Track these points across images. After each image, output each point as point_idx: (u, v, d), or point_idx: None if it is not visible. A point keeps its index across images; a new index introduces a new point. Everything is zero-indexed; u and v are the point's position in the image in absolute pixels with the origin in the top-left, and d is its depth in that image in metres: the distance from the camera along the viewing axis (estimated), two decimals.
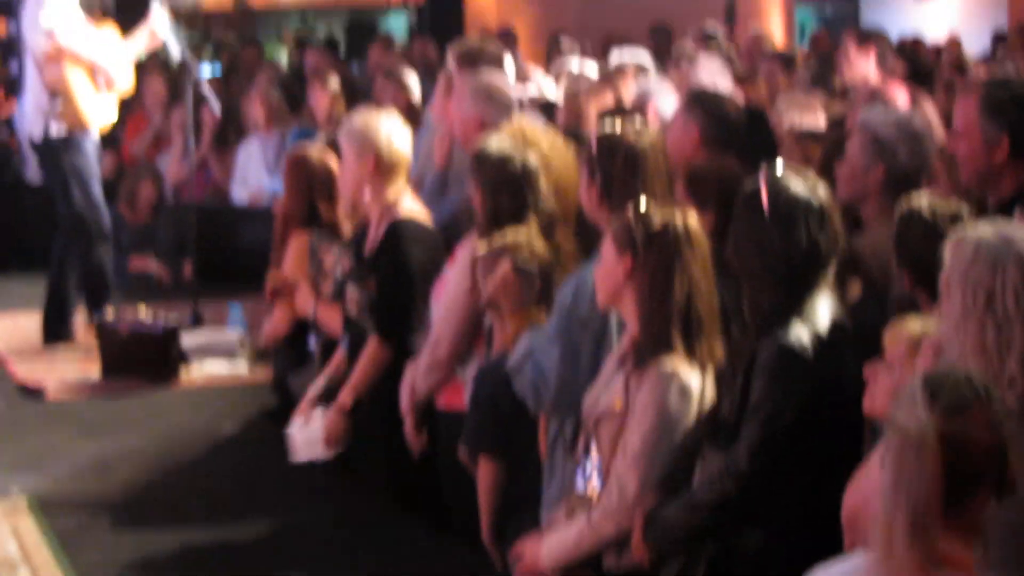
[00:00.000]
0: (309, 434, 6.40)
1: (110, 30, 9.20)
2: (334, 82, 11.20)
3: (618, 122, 5.27)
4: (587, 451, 4.55)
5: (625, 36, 14.68)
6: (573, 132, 6.65)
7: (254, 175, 11.54)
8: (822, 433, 4.09)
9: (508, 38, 14.55)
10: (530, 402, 4.99)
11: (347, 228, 7.09)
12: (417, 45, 13.55)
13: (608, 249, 4.48)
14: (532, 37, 16.39)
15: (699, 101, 5.99)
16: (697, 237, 4.43)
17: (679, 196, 5.05)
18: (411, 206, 6.43)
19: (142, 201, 11.49)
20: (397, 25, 18.71)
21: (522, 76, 10.29)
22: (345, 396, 6.35)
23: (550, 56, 13.42)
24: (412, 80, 10.55)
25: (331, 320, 6.77)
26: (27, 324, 9.46)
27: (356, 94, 12.08)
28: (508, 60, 8.48)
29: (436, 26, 17.63)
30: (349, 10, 19.36)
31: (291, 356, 7.20)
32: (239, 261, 11.25)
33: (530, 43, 15.85)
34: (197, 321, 9.42)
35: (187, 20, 18.86)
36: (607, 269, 4.50)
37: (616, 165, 4.98)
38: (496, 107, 6.65)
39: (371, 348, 6.32)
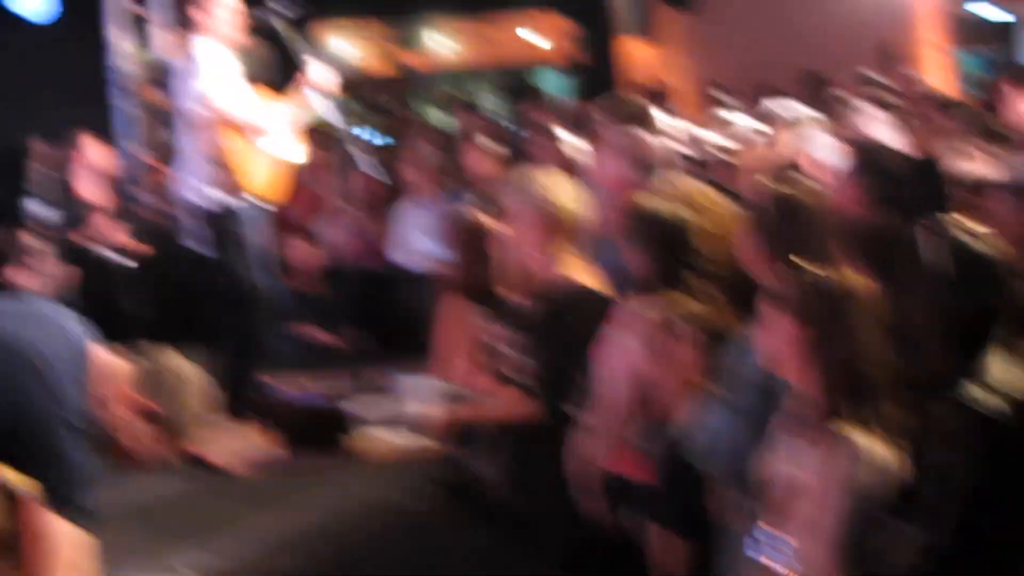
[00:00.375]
0: (424, 388, 6.35)
1: (273, 97, 9.24)
2: (488, 143, 11.19)
3: (777, 177, 5.15)
4: (761, 519, 4.42)
5: (779, 85, 14.59)
6: (730, 188, 6.52)
7: (412, 239, 11.54)
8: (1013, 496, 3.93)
9: (659, 92, 14.50)
10: (707, 471, 4.87)
11: (510, 293, 6.92)
12: (573, 104, 13.50)
13: (768, 310, 4.36)
14: (689, 91, 16.29)
15: (865, 158, 5.85)
16: (863, 296, 4.29)
17: (843, 255, 4.92)
18: (580, 269, 6.31)
19: (304, 268, 11.53)
20: (554, 84, 18.68)
21: (675, 130, 10.20)
22: (471, 409, 6.30)
23: (706, 110, 13.33)
24: (564, 133, 10.49)
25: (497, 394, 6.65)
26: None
27: (513, 154, 12.07)
28: (658, 113, 8.39)
29: (593, 82, 17.60)
30: (505, 71, 19.36)
31: (466, 436, 7.07)
32: (403, 323, 11.27)
33: (687, 96, 15.76)
34: (365, 390, 9.40)
35: (349, 86, 19.07)
36: (768, 330, 4.37)
37: (776, 222, 4.86)
38: (642, 165, 6.53)
39: (518, 398, 6.24)
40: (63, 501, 4.49)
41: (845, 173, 5.82)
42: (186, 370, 4.80)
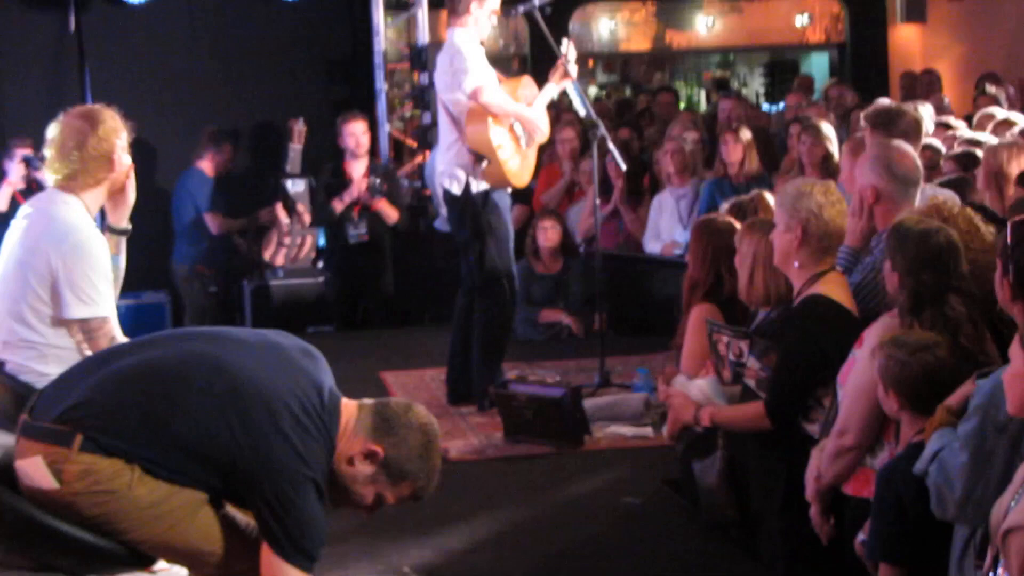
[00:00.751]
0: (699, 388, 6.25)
1: (527, 82, 9.15)
2: (747, 133, 10.98)
3: None
4: (995, 565, 4.16)
5: None
6: (989, 209, 6.19)
7: (666, 228, 11.40)
8: None
9: (932, 81, 14.07)
10: (934, 507, 4.62)
11: (754, 303, 6.67)
12: (833, 91, 13.17)
13: (1017, 353, 4.09)
14: (958, 78, 15.80)
15: None
16: None
17: None
18: (834, 283, 6.06)
19: (554, 252, 11.47)
20: (819, 65, 18.30)
21: (944, 126, 9.86)
22: (714, 413, 6.17)
23: (976, 101, 12.88)
24: (829, 131, 10.23)
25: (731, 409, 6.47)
26: (435, 382, 9.49)
27: (770, 145, 11.84)
28: (927, 117, 8.06)
29: (858, 66, 17.22)
30: (770, 49, 19.04)
31: (694, 445, 6.88)
32: (651, 313, 11.16)
33: (956, 84, 15.29)
34: (604, 383, 9.29)
35: (605, 62, 19.00)
36: (1017, 374, 4.10)
37: None
38: (899, 181, 6.23)
39: (755, 410, 6.05)
40: (295, 549, 4.46)
41: None
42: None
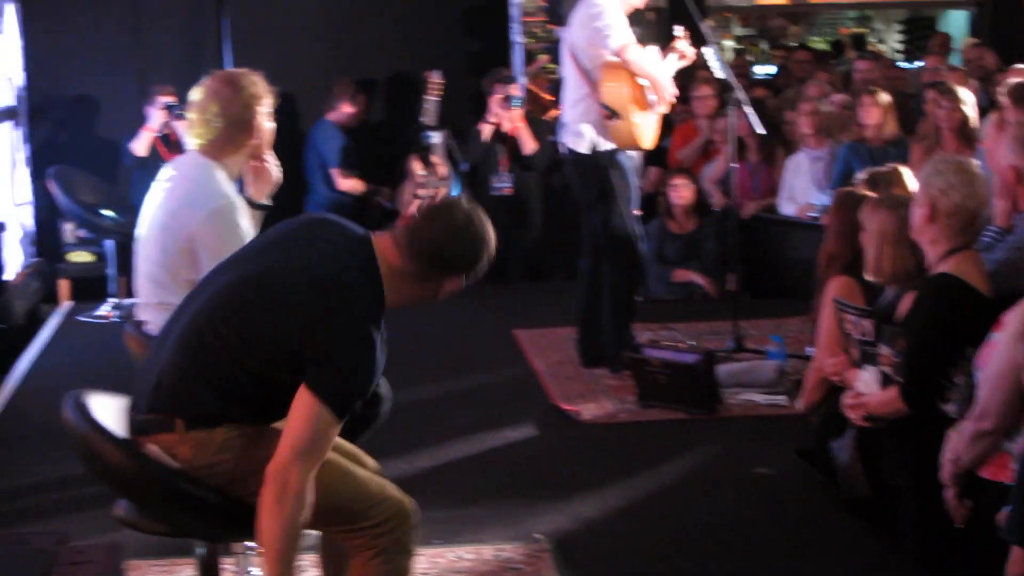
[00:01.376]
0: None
1: (654, 52, 9.09)
2: (885, 97, 10.86)
3: None
4: None
5: None
6: None
7: (801, 191, 11.33)
8: None
9: None
10: None
11: (886, 280, 6.61)
12: (973, 52, 12.97)
13: None
14: None
15: None
16: None
17: None
18: (967, 261, 5.99)
19: (687, 211, 11.43)
20: (957, 23, 18.02)
21: None
22: (854, 404, 6.15)
23: None
24: (967, 96, 10.08)
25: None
26: (569, 341, 9.51)
27: (909, 108, 11.70)
28: None
29: (998, 24, 16.93)
30: (908, 5, 18.77)
31: (831, 421, 6.85)
32: (785, 275, 11.13)
33: None
34: (738, 347, 9.27)
35: (742, 15, 18.85)
36: None
37: None
38: None
39: (891, 395, 6.02)
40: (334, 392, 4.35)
41: None
42: None
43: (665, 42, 9.29)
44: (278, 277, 4.45)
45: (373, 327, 4.33)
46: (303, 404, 4.30)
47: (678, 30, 9.07)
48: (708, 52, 9.20)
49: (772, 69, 16.62)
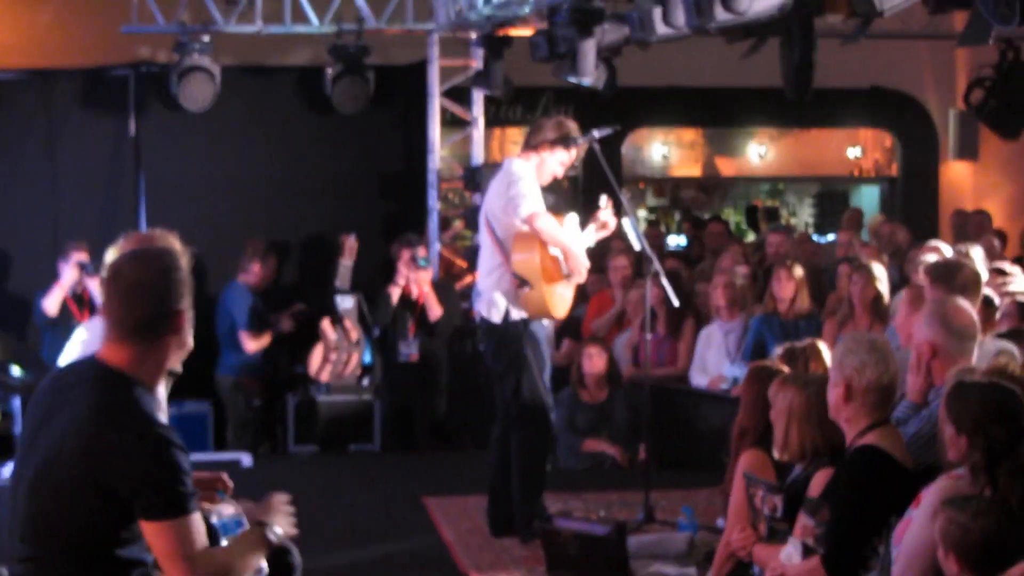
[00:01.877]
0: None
1: (572, 220, 9.13)
2: (799, 270, 10.96)
3: None
4: None
5: None
6: None
7: (713, 362, 11.36)
8: None
9: (983, 222, 14.06)
10: None
11: (792, 456, 6.57)
12: (885, 228, 13.16)
13: None
14: (1009, 216, 15.77)
15: None
16: None
17: None
18: (886, 435, 5.99)
19: (598, 380, 11.42)
20: (869, 197, 18.30)
21: (998, 272, 9.81)
22: (786, 572, 6.08)
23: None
24: (880, 272, 10.21)
25: (767, 562, 6.39)
26: (479, 510, 9.42)
27: (821, 282, 11.82)
28: (978, 260, 8.03)
29: (909, 200, 17.20)
30: (821, 180, 19.06)
31: None
32: (696, 446, 11.11)
33: (1007, 223, 15.25)
34: (649, 518, 9.22)
35: (656, 186, 19.04)
36: None
37: None
38: (955, 336, 6.21)
39: (813, 565, 5.96)
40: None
41: None
42: None
43: (579, 211, 9.34)
44: (47, 473, 4.44)
45: (145, 421, 4.39)
46: (156, 534, 4.34)
47: (603, 200, 9.10)
48: (626, 222, 9.23)
49: (684, 240, 16.78)
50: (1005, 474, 5.12)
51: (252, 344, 12.39)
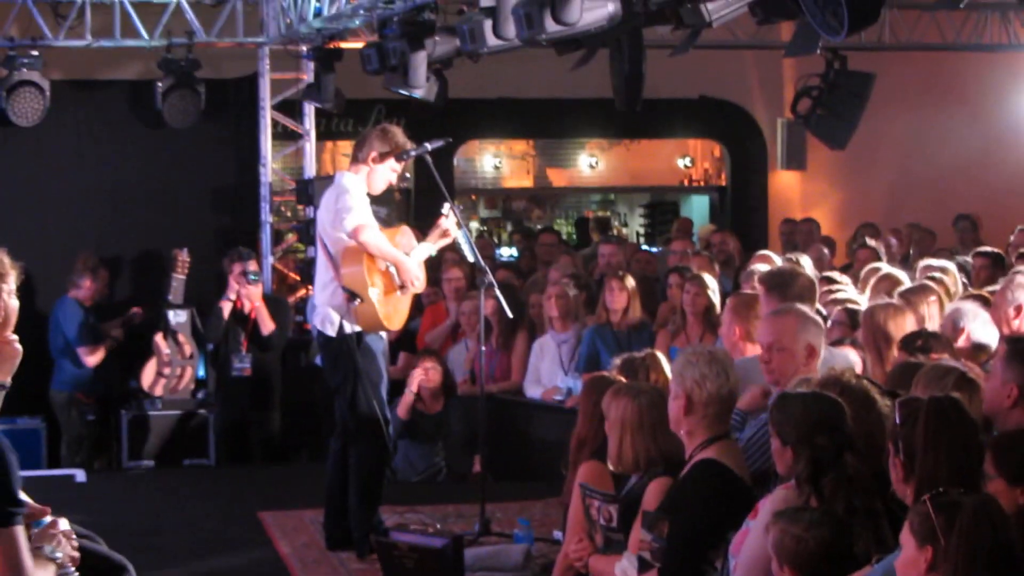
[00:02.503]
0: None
1: (405, 231, 9.14)
2: (630, 281, 11.06)
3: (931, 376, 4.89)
4: None
5: (931, 226, 14.35)
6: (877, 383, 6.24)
7: (547, 373, 11.41)
8: None
9: (811, 230, 14.32)
10: None
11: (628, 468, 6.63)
12: (716, 237, 13.35)
13: (907, 539, 4.13)
14: (836, 225, 16.07)
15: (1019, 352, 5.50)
16: (1005, 523, 4.05)
17: (988, 468, 4.65)
18: (725, 448, 6.09)
19: (432, 393, 11.43)
20: (699, 207, 18.52)
21: (827, 280, 9.97)
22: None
23: (851, 249, 13.15)
24: (711, 282, 10.34)
25: (603, 574, 6.45)
26: (314, 524, 9.39)
27: (653, 291, 11.93)
28: (807, 268, 8.18)
29: (738, 210, 17.47)
30: (651, 190, 19.25)
31: None
32: (531, 457, 11.17)
33: (834, 231, 15.53)
34: (485, 530, 9.24)
35: (487, 197, 19.10)
36: (907, 561, 4.14)
37: (919, 437, 4.60)
38: (798, 345, 6.34)
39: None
40: None
41: (999, 370, 5.49)
42: None
43: (412, 223, 9.35)
44: None
45: None
46: None
47: (445, 207, 9.10)
48: (459, 234, 9.25)
49: (515, 251, 16.86)
50: (830, 484, 5.20)
51: (91, 359, 12.25)
